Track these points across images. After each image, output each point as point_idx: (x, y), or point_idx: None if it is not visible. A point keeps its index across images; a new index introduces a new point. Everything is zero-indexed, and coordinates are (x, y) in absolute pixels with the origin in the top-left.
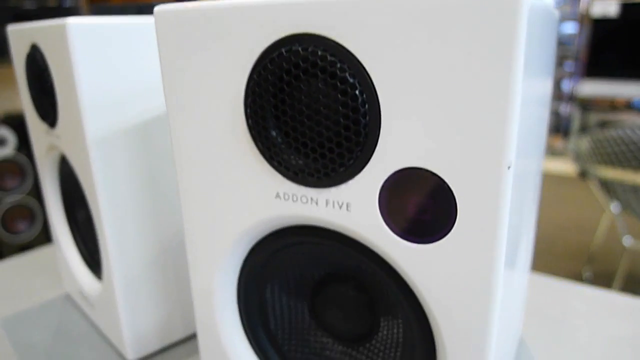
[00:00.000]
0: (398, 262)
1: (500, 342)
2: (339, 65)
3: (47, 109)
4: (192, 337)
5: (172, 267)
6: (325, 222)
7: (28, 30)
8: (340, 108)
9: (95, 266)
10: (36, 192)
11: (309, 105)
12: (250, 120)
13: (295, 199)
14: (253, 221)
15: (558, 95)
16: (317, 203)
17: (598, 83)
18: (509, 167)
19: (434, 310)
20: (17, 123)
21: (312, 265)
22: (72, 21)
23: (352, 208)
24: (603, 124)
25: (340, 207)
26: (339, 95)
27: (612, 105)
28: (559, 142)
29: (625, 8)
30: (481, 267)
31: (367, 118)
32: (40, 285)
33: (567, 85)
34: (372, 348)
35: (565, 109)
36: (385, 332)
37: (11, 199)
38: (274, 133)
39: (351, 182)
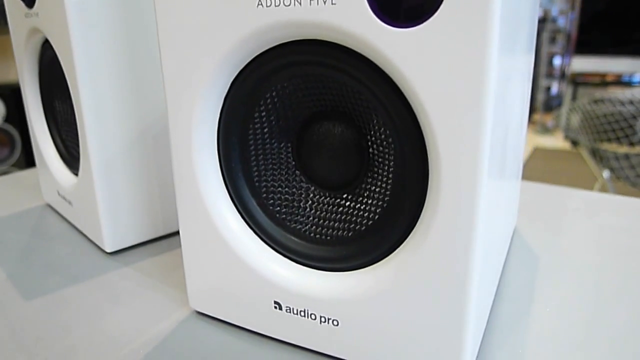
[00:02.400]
0: (387, 53)
1: (492, 165)
2: None
3: None
4: (173, 234)
5: (153, 160)
6: (310, 23)
7: None
8: None
9: (73, 162)
10: (25, 163)
11: None
12: None
13: (277, 3)
14: (234, 39)
15: (549, 71)
16: (300, 3)
17: (589, 60)
18: None
19: (428, 108)
20: (6, 93)
21: (297, 103)
22: None
23: None
24: (594, 99)
25: (325, 1)
26: None
27: (603, 81)
28: (550, 120)
29: None
30: (475, 43)
31: None
32: (19, 197)
33: (558, 63)
34: (361, 192)
35: (556, 88)
36: (374, 172)
37: None
38: None
39: None
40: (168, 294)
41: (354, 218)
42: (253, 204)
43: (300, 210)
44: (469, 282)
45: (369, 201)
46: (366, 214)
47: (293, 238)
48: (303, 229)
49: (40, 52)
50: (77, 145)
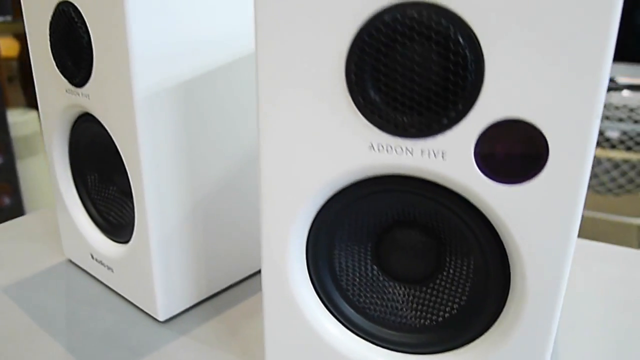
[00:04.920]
0: (489, 204)
1: None
2: (451, 28)
3: (76, 67)
4: (215, 295)
5: (202, 228)
6: (419, 170)
7: None
8: (451, 66)
9: (113, 230)
10: None
11: (416, 63)
12: (351, 77)
13: (389, 149)
14: (341, 171)
15: None
16: (412, 153)
17: None
18: (597, 117)
19: (520, 244)
20: None
21: (383, 214)
22: None
23: (447, 156)
24: None
25: (436, 155)
26: (450, 56)
27: None
28: None
29: None
30: (567, 202)
31: (473, 75)
32: (33, 252)
33: None
34: (437, 287)
35: None
36: (451, 273)
37: None
38: (373, 92)
39: (448, 133)
40: None
41: (431, 309)
42: (337, 295)
43: (378, 300)
44: None
45: (445, 297)
46: (442, 307)
47: (374, 325)
48: (382, 316)
49: (73, 124)
50: (118, 215)
